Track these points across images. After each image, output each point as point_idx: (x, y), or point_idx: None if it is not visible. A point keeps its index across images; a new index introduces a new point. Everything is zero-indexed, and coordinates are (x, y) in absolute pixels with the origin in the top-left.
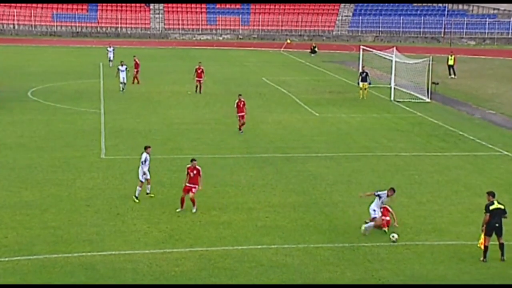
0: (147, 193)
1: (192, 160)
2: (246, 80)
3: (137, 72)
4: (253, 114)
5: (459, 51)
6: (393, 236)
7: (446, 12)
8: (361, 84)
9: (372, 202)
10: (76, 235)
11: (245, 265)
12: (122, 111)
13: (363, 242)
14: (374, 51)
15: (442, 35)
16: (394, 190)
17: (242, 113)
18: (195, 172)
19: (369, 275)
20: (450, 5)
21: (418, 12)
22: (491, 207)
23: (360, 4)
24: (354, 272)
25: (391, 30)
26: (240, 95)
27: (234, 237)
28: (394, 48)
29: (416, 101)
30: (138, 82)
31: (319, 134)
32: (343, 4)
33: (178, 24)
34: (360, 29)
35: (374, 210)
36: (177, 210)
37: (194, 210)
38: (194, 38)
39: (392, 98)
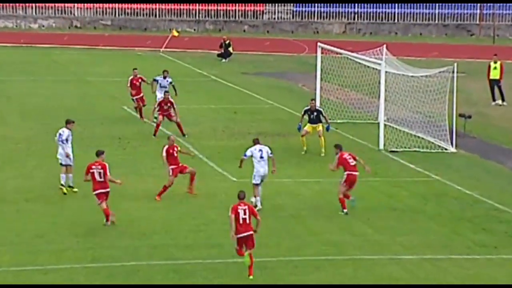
0: (70, 187)
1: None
2: (90, 111)
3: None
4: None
5: (509, 52)
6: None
7: None
8: (307, 127)
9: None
10: None
11: None
12: None
13: None
14: (345, 52)
15: (478, 22)
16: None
17: None
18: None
19: None
20: None
21: None
22: None
23: None
24: None
25: (376, 11)
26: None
27: None
28: (384, 47)
29: (430, 151)
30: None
31: None
32: None
33: None
34: (316, 9)
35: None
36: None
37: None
38: None
39: (381, 146)
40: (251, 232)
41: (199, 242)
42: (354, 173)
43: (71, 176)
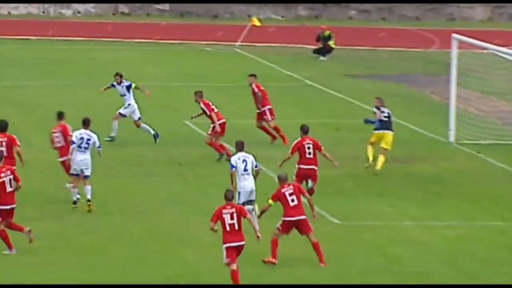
0: (88, 201)
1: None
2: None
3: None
4: (164, 217)
5: None
6: None
7: None
8: (379, 132)
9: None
10: None
11: None
12: None
13: None
14: (491, 47)
15: None
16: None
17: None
18: None
19: None
20: None
21: None
22: None
23: None
24: None
25: None
26: None
27: None
28: None
29: None
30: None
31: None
32: None
33: None
34: None
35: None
36: None
37: None
38: None
39: None
40: (243, 243)
41: None
42: (307, 166)
43: (90, 187)
